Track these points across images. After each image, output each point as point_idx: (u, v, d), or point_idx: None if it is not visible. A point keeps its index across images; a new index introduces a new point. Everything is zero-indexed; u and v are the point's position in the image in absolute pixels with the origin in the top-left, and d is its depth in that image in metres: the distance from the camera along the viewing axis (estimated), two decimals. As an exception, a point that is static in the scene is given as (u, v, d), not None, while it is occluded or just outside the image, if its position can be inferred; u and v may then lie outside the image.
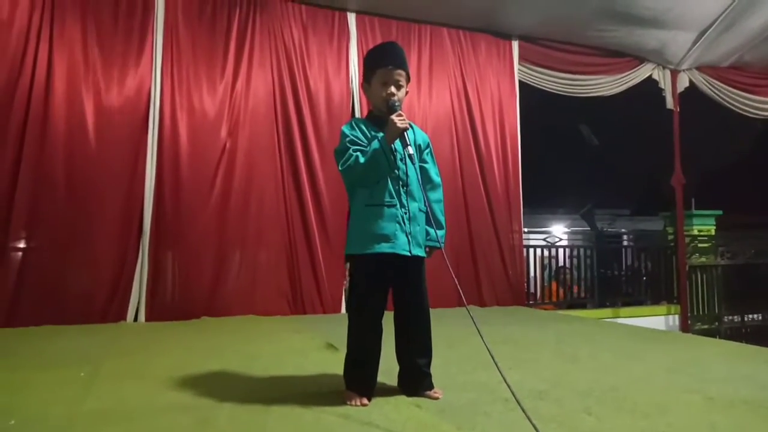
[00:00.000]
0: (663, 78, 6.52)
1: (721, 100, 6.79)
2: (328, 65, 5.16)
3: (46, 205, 4.15)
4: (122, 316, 4.26)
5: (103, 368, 2.62)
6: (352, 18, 5.28)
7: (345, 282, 4.96)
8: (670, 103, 6.52)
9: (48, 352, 3.09)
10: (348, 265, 4.89)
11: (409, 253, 2.09)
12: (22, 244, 4.10)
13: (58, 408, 2.01)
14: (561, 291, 6.82)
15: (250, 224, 4.73)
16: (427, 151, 2.32)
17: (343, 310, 4.93)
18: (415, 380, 2.14)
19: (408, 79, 2.23)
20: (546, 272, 6.86)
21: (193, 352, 3.08)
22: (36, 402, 2.10)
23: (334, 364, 2.53)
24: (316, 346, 3.20)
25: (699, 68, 6.61)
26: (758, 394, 2.26)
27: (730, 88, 6.79)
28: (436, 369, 2.20)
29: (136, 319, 4.30)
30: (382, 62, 2.19)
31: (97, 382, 2.38)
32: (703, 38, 5.93)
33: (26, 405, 2.05)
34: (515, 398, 1.65)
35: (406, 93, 2.24)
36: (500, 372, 1.74)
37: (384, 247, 2.06)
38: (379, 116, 2.19)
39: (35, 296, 4.04)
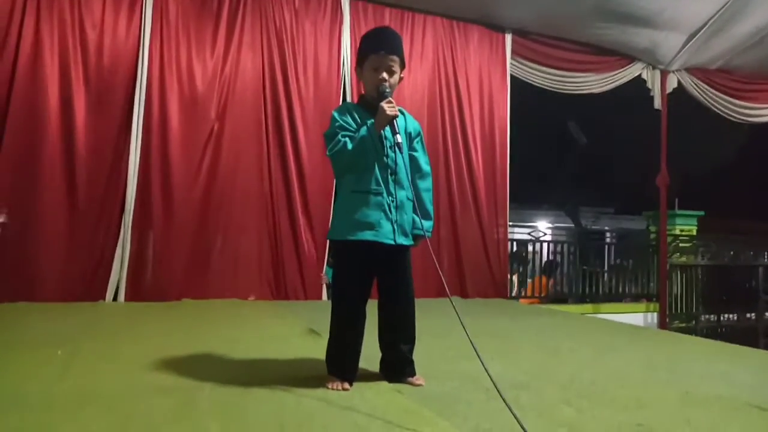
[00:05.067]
0: (652, 78, 6.56)
1: (707, 102, 6.86)
2: (319, 50, 5.11)
3: (28, 179, 4.08)
4: (101, 296, 4.22)
5: (81, 349, 2.58)
6: (345, 3, 5.22)
7: (324, 268, 4.94)
8: (658, 103, 6.57)
9: (25, 331, 3.04)
10: (329, 250, 4.88)
11: (393, 242, 2.08)
12: (1, 220, 4.02)
13: (36, 387, 1.98)
14: (550, 283, 6.90)
15: (235, 207, 4.69)
16: (418, 139, 2.29)
17: (325, 296, 4.92)
18: (398, 367, 2.14)
19: (402, 65, 2.20)
20: (529, 266, 6.94)
21: (174, 335, 3.05)
22: (13, 381, 2.06)
23: (316, 349, 2.52)
24: (298, 331, 3.19)
25: (688, 70, 6.66)
26: (733, 390, 2.29)
27: (717, 92, 6.86)
28: (418, 358, 2.20)
29: (115, 298, 4.25)
30: (375, 47, 2.16)
31: (75, 362, 2.34)
32: (693, 40, 5.98)
33: (2, 384, 2.02)
34: (496, 388, 1.66)
35: (401, 79, 2.22)
36: (482, 362, 1.74)
37: (367, 235, 2.05)
38: (371, 101, 2.16)
39: (12, 271, 3.97)
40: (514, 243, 6.60)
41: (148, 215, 4.39)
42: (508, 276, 6.07)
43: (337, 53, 5.17)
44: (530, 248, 6.79)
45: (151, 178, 4.41)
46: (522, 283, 6.84)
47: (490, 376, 1.70)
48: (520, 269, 6.88)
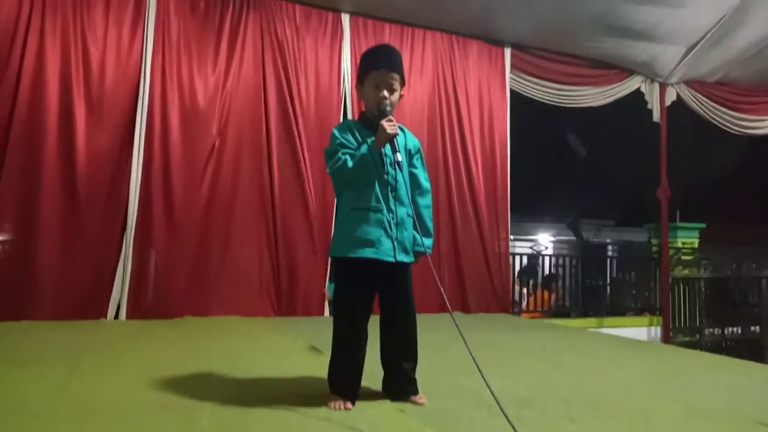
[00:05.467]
0: (650, 91, 6.57)
1: (706, 115, 6.87)
2: (320, 66, 5.14)
3: (29, 198, 4.08)
4: (102, 314, 4.19)
5: (82, 366, 2.58)
6: (346, 19, 5.26)
7: (326, 283, 4.93)
8: (657, 116, 6.58)
9: (27, 348, 3.03)
10: (331, 265, 4.86)
11: (393, 260, 2.08)
12: (2, 237, 4.02)
13: (37, 400, 1.98)
14: (552, 298, 6.85)
15: (237, 223, 4.69)
16: (417, 156, 2.30)
17: (327, 312, 4.90)
18: (400, 385, 2.13)
19: (402, 83, 2.21)
20: (531, 281, 6.90)
21: (175, 352, 3.03)
22: (15, 395, 2.06)
23: (318, 367, 2.50)
24: (300, 348, 3.18)
25: (687, 82, 6.68)
26: (738, 404, 2.28)
27: (716, 105, 6.88)
28: (420, 374, 2.18)
29: (116, 316, 4.23)
30: (376, 64, 2.18)
31: (75, 380, 2.33)
32: (692, 53, 6.00)
33: (4, 396, 2.02)
34: (499, 405, 1.65)
35: (401, 96, 2.23)
36: (484, 379, 1.73)
37: (367, 253, 2.05)
38: (371, 119, 2.18)
39: (13, 290, 3.96)
40: (524, 257, 6.56)
41: (149, 232, 4.38)
42: (517, 289, 6.04)
43: (338, 69, 5.20)
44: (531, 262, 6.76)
45: (152, 195, 4.41)
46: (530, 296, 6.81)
47: (492, 394, 1.69)
48: (531, 282, 6.84)
